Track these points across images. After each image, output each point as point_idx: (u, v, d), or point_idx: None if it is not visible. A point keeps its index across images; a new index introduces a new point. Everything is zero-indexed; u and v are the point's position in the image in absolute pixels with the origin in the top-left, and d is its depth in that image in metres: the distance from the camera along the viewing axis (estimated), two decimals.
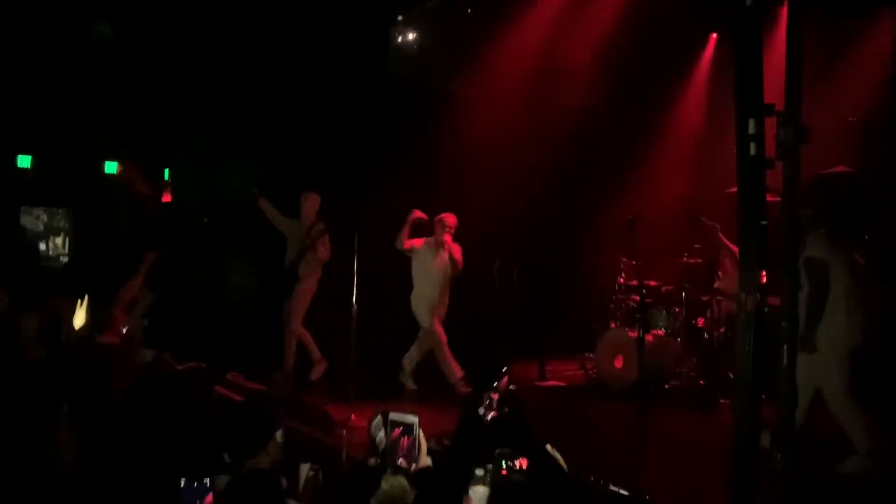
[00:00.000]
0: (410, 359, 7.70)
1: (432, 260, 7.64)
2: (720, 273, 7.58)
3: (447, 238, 7.58)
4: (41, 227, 9.23)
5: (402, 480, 2.86)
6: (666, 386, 7.71)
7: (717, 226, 7.09)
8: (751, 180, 3.56)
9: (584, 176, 9.76)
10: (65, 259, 9.22)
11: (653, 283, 8.07)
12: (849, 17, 8.53)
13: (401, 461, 2.76)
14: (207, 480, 2.61)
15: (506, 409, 2.74)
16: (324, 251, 7.64)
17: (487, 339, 8.86)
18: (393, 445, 2.77)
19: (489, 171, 9.18)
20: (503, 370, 2.82)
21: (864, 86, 8.31)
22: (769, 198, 3.52)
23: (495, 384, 2.76)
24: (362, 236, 6.56)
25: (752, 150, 3.51)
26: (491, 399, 2.75)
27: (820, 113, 6.34)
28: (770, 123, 3.62)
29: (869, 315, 5.58)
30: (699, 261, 7.96)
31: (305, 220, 7.81)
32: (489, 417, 2.72)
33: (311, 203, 7.85)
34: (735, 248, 7.41)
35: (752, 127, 3.52)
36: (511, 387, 2.76)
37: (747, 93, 3.54)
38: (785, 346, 3.26)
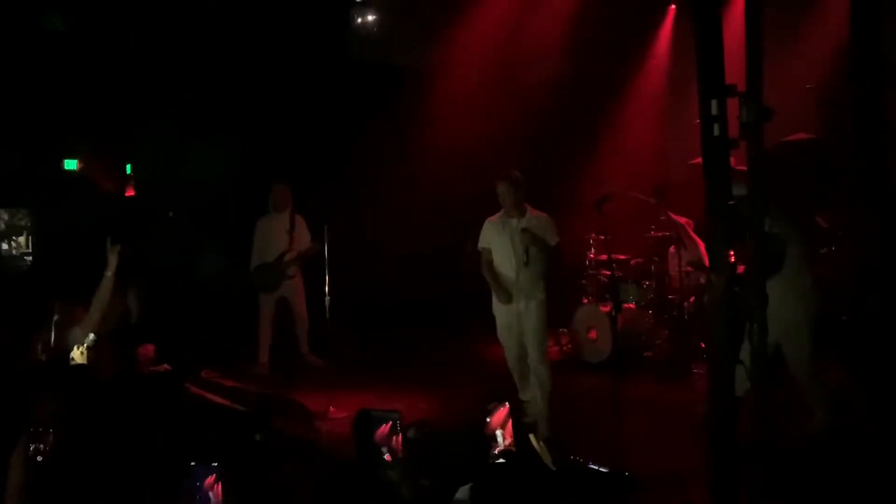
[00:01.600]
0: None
1: (506, 235, 5.68)
2: (683, 249, 7.69)
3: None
4: (2, 227, 9.04)
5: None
6: (639, 357, 7.83)
7: (661, 205, 7.31)
8: (715, 161, 3.62)
9: (551, 151, 9.79)
10: (28, 258, 9.05)
11: (622, 256, 8.16)
12: None
13: (386, 456, 2.81)
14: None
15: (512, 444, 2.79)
16: (311, 249, 7.59)
17: (459, 317, 8.95)
18: (383, 441, 2.81)
19: (457, 147, 9.17)
20: (497, 404, 2.87)
21: (821, 51, 8.42)
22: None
23: (489, 419, 2.82)
24: (332, 225, 6.55)
25: (716, 131, 3.56)
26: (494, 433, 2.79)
27: (778, 81, 6.41)
28: (732, 103, 3.68)
29: (831, 276, 5.69)
30: (667, 233, 8.06)
31: (283, 209, 7.74)
32: (496, 451, 2.78)
33: (282, 194, 7.77)
34: (682, 220, 7.58)
35: (714, 108, 3.57)
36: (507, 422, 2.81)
37: (709, 75, 3.58)
38: (755, 325, 3.33)
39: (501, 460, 2.76)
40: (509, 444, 2.76)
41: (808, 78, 8.25)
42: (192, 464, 2.58)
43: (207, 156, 8.71)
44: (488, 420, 2.77)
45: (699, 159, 3.78)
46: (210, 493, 2.54)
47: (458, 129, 9.16)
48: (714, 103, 3.56)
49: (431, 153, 9.05)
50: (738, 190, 3.60)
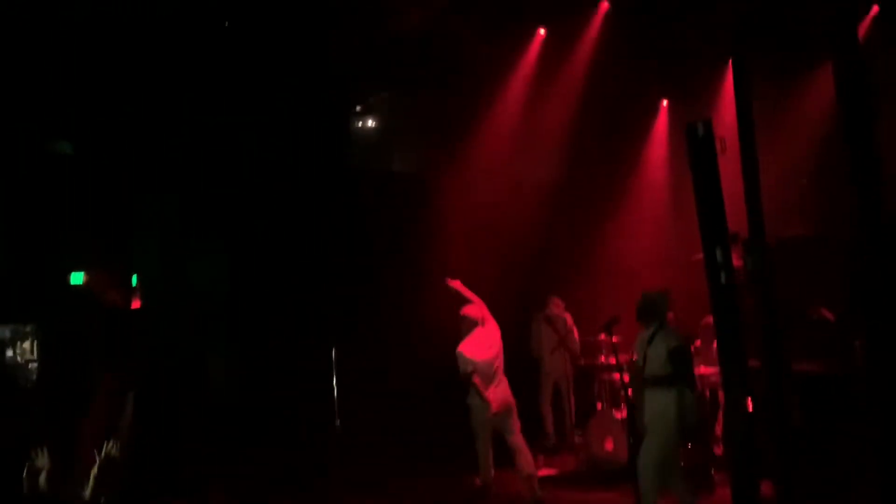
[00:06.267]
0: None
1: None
2: (697, 343, 7.63)
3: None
4: (7, 334, 9.04)
5: None
6: None
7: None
8: (724, 308, 3.64)
9: (556, 251, 9.80)
10: (33, 364, 9.03)
11: (635, 357, 8.04)
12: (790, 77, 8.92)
13: None
14: None
15: None
16: None
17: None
18: None
19: (459, 252, 9.18)
20: None
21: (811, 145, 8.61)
22: None
23: None
24: (340, 346, 6.54)
25: (723, 279, 3.59)
26: None
27: (773, 169, 6.54)
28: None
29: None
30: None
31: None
32: None
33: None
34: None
35: (718, 256, 3.61)
36: None
37: (711, 224, 3.64)
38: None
39: None
40: None
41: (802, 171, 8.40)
42: None
43: (212, 264, 8.78)
44: None
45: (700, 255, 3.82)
46: None
47: (459, 231, 9.20)
48: (718, 251, 3.61)
49: (434, 256, 9.07)
50: None
